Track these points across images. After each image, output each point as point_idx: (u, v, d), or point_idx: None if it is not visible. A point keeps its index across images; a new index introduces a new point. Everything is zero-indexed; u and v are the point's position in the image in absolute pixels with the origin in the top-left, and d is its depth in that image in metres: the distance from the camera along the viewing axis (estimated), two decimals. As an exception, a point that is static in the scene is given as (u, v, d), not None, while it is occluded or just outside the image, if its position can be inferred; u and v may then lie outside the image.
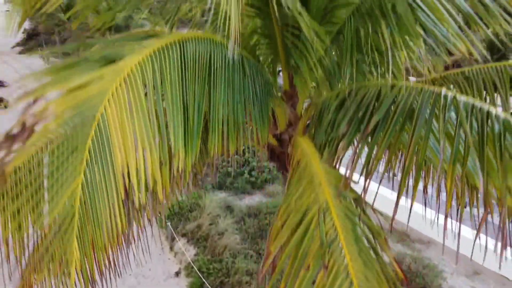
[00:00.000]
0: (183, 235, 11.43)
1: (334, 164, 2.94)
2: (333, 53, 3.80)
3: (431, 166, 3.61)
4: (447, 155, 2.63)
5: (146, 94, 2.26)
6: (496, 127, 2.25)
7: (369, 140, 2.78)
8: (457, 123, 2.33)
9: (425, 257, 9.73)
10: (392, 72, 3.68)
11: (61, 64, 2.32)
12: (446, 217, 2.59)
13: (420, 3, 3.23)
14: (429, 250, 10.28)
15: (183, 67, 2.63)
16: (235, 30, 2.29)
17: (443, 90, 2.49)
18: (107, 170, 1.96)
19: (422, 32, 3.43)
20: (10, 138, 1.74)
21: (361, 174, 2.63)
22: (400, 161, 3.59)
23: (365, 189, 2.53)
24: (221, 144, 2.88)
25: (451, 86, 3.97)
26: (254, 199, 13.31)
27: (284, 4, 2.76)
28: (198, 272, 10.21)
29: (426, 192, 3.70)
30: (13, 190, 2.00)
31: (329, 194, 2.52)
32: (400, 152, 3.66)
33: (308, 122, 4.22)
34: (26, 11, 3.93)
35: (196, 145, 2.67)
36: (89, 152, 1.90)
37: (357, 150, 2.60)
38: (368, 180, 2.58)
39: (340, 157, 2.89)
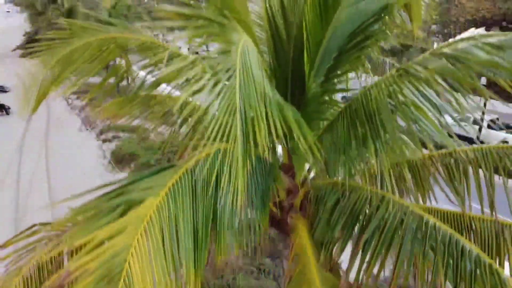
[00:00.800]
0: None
1: (330, 266, 3.27)
2: (329, 139, 4.09)
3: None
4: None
5: (162, 234, 2.57)
6: (468, 266, 2.57)
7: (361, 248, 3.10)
8: (435, 256, 2.65)
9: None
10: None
11: (86, 206, 2.62)
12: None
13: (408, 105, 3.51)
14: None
15: (194, 191, 2.94)
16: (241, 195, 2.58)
17: (425, 217, 2.81)
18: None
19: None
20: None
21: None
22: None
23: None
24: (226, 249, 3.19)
25: (438, 165, 4.28)
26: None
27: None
28: (200, 290, 10.54)
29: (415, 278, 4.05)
30: None
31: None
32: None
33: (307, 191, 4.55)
34: (39, 98, 4.20)
35: (204, 257, 2.99)
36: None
37: (349, 265, 2.92)
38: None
39: (336, 261, 3.23)
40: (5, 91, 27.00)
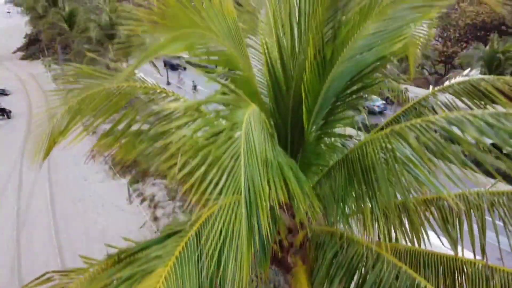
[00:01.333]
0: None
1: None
2: (328, 185, 4.26)
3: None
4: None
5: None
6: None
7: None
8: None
9: None
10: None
11: (98, 275, 2.80)
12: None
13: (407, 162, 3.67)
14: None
15: (199, 255, 3.11)
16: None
17: (417, 279, 2.99)
18: None
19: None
20: None
21: None
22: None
23: None
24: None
25: (433, 209, 4.46)
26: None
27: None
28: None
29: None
30: None
31: None
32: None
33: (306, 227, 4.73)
34: (49, 148, 4.36)
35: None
36: None
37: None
38: None
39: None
40: (6, 94, 27.04)
